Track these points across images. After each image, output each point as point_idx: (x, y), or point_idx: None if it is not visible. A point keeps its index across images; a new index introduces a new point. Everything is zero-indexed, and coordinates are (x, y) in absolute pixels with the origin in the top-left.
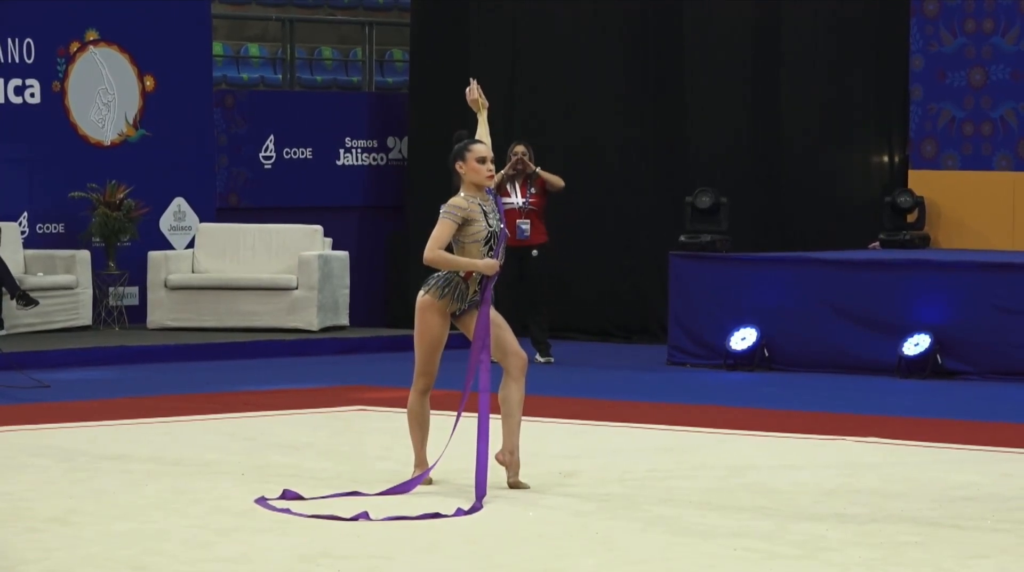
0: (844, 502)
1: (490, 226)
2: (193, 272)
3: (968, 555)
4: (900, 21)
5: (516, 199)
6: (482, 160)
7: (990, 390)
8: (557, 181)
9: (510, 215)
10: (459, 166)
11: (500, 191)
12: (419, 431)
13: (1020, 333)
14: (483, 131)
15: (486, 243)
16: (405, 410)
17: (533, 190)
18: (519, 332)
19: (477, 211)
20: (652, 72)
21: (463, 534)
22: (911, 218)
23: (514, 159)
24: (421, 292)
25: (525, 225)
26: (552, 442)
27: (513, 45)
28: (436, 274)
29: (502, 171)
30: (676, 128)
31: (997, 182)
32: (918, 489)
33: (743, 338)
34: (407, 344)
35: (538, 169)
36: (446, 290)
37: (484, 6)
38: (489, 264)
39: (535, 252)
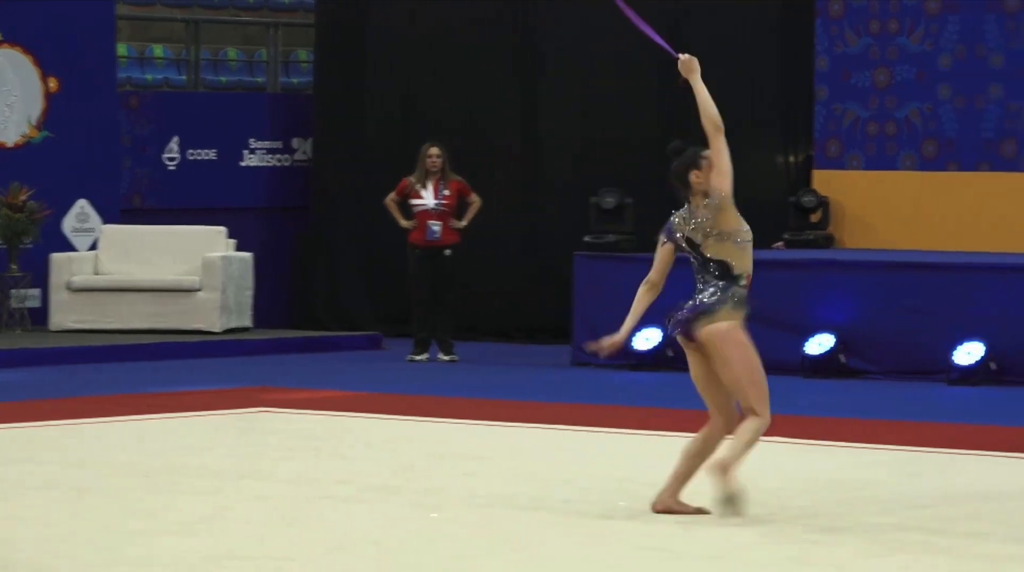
0: (753, 502)
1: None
2: (96, 274)
3: (873, 554)
4: (805, 22)
5: (428, 200)
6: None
7: (893, 389)
8: (476, 208)
9: (422, 216)
10: (695, 176)
11: (411, 193)
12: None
13: (923, 332)
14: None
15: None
16: (310, 411)
17: (446, 191)
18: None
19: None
20: (553, 70)
21: (367, 535)
22: (815, 218)
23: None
24: (719, 317)
25: (436, 226)
26: (456, 442)
27: (412, 46)
28: (723, 290)
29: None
30: (580, 128)
31: (901, 182)
32: (822, 488)
33: (647, 338)
34: (311, 345)
35: (473, 203)
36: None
37: (384, 7)
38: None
39: (448, 252)
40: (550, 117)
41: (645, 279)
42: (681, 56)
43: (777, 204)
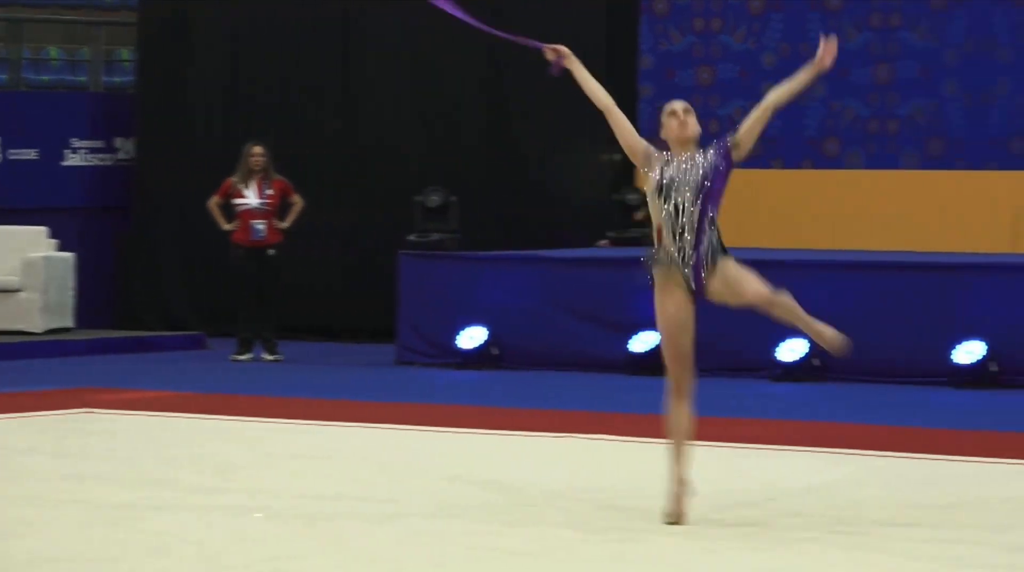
0: (573, 501)
1: (664, 176)
2: None
3: (698, 550)
4: (630, 20)
5: (252, 199)
6: (671, 114)
7: (719, 386)
8: (298, 210)
9: (245, 216)
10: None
11: (234, 193)
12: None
13: (745, 329)
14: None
15: (660, 194)
16: (134, 412)
17: (270, 191)
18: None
19: (657, 161)
20: (377, 69)
21: (190, 535)
22: (639, 216)
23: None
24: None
25: (261, 225)
26: (281, 442)
27: (235, 45)
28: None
29: None
30: (404, 127)
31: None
32: (649, 485)
33: (471, 337)
34: (134, 346)
35: (295, 204)
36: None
37: (207, 7)
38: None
39: (272, 251)
40: (373, 116)
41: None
42: (549, 47)
43: (601, 202)
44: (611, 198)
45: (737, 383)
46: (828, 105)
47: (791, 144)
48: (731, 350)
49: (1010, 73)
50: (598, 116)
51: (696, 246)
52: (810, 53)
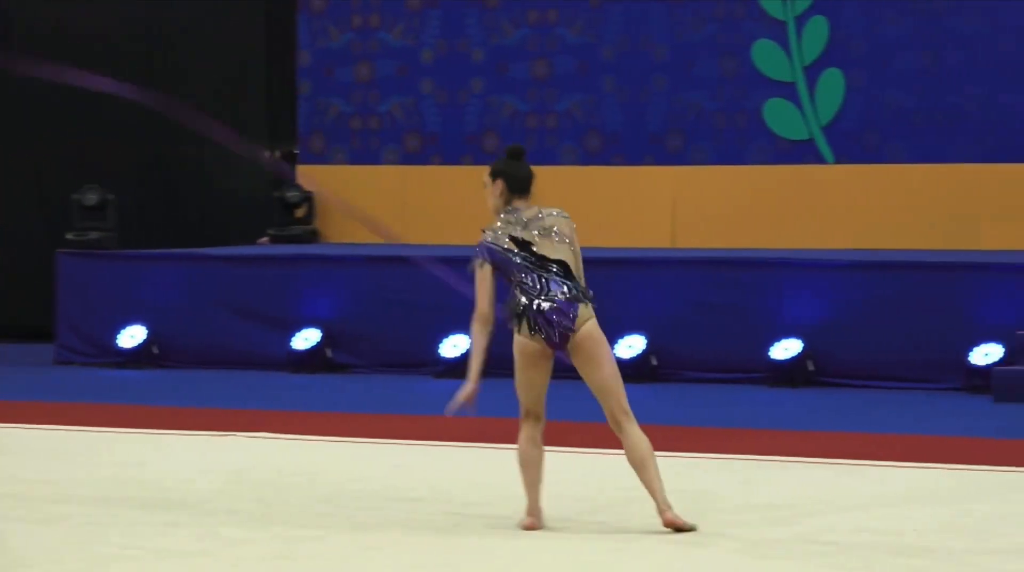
0: (237, 498)
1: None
2: None
3: (365, 547)
4: (287, 16)
5: None
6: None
7: (381, 383)
8: None
9: None
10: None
11: None
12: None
13: (407, 326)
14: None
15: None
16: None
17: None
18: None
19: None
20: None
21: None
22: (300, 213)
23: None
24: (587, 315)
25: None
26: None
27: None
28: (575, 288)
29: None
30: (52, 123)
31: (386, 175)
32: (312, 483)
33: (132, 336)
34: None
35: None
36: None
37: None
38: None
39: None
40: (30, 112)
41: (475, 316)
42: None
43: (262, 199)
44: (271, 195)
45: (399, 379)
46: (486, 100)
47: (451, 142)
48: (393, 346)
49: (666, 70)
50: (258, 113)
51: None
52: (468, 50)
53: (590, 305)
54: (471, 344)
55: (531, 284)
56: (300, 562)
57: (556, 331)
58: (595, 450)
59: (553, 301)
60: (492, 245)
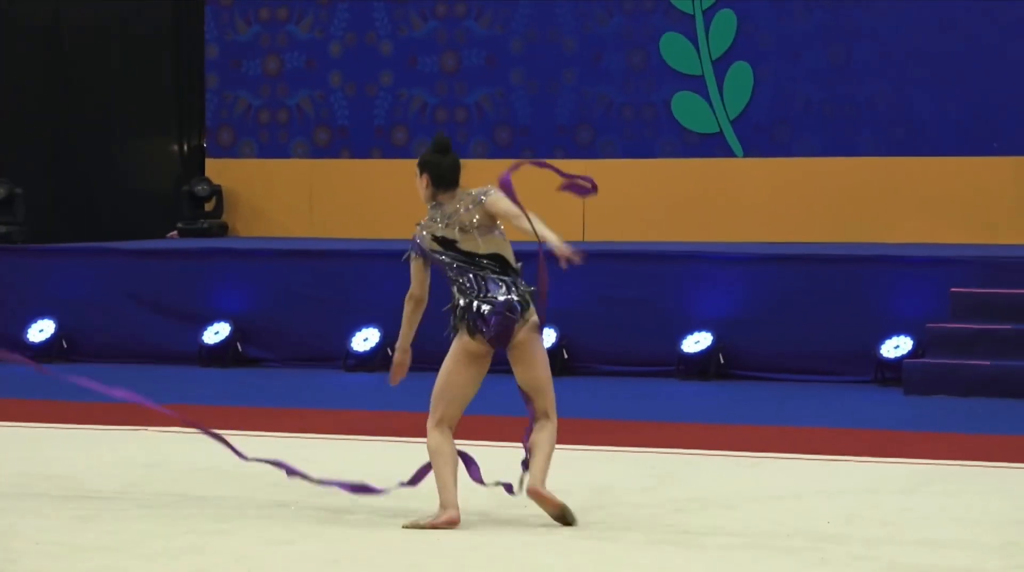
0: (148, 493)
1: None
2: None
3: (277, 541)
4: (196, 9)
5: None
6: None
7: (291, 377)
8: None
9: None
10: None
11: None
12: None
13: (320, 320)
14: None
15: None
16: None
17: None
18: None
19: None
20: None
21: None
22: (209, 207)
23: None
24: (529, 315)
25: None
26: None
27: None
28: (513, 285)
29: None
30: None
31: (294, 169)
32: (221, 477)
33: (40, 330)
34: None
35: None
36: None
37: None
38: None
39: None
40: None
41: (408, 295)
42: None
43: (170, 193)
44: (180, 189)
45: (310, 373)
46: (396, 94)
47: (360, 135)
48: (304, 340)
49: (575, 63)
50: (166, 105)
51: None
52: (376, 42)
53: (531, 305)
54: (403, 320)
55: (468, 285)
56: (211, 556)
57: (496, 333)
58: (508, 444)
59: (492, 303)
60: (421, 245)
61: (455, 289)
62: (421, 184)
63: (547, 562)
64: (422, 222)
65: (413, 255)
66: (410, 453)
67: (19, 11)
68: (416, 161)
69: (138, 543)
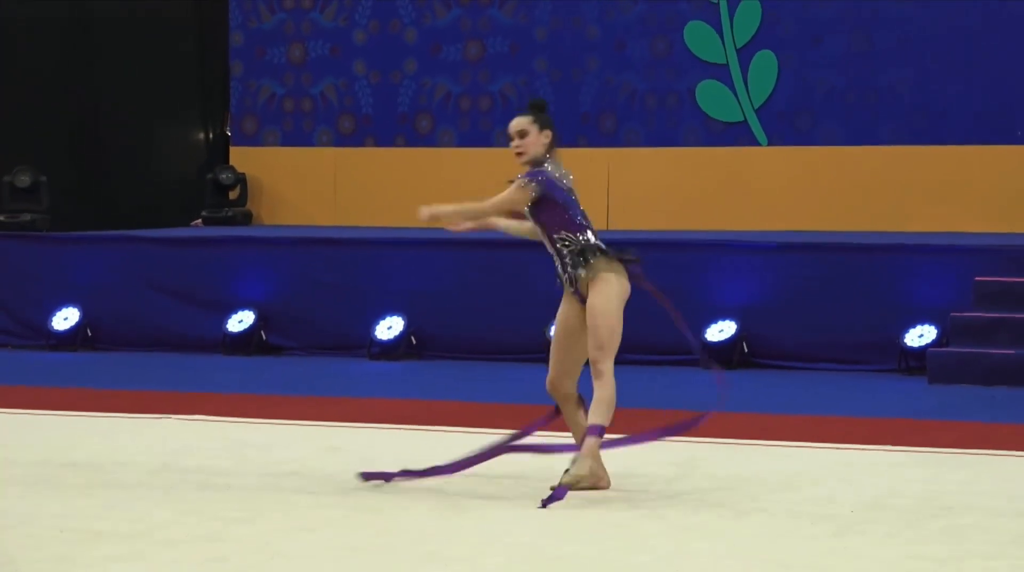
0: (170, 481)
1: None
2: None
3: (298, 528)
4: None
5: None
6: (509, 138)
7: (315, 365)
8: None
9: None
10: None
11: None
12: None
13: (342, 308)
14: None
15: None
16: None
17: None
18: None
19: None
20: None
21: None
22: (233, 195)
23: None
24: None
25: None
26: None
27: None
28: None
29: None
30: None
31: (318, 157)
32: (244, 465)
33: (65, 318)
34: None
35: None
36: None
37: None
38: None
39: None
40: None
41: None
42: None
43: (195, 181)
44: (204, 177)
45: (334, 361)
46: (420, 82)
47: (384, 123)
48: (326, 328)
49: (598, 51)
50: (190, 93)
51: (564, 266)
52: (399, 30)
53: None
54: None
55: (588, 222)
56: (232, 543)
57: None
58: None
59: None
60: (555, 180)
61: (576, 233)
62: (539, 140)
63: (569, 551)
64: (543, 168)
65: (532, 186)
66: (432, 440)
67: (47, 3)
68: (523, 119)
69: (159, 530)
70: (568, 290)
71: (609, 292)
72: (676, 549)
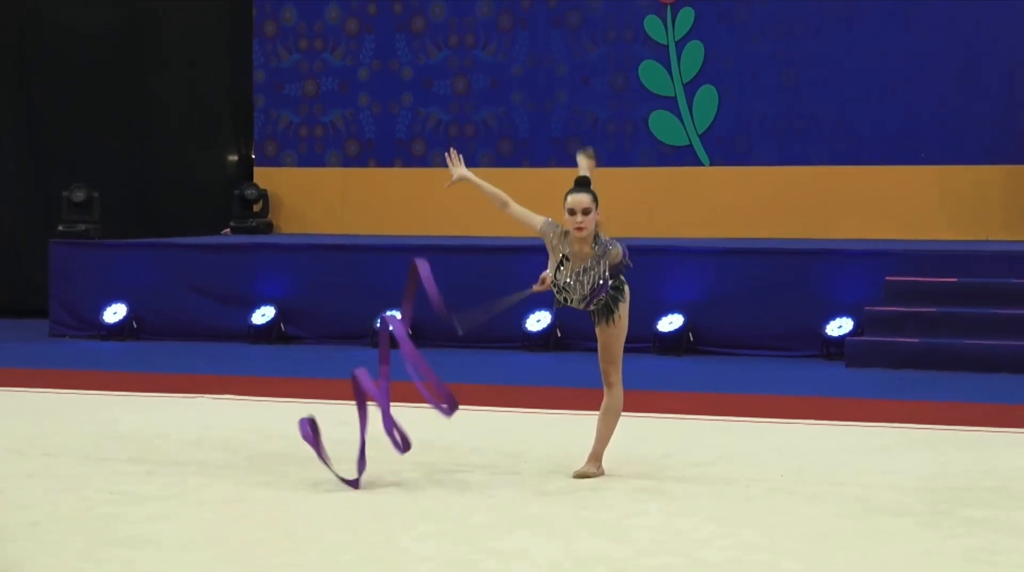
0: (203, 451)
1: (558, 279)
2: None
3: (309, 490)
4: (245, 40)
5: None
6: (571, 212)
7: (325, 352)
8: None
9: None
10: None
11: None
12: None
13: (348, 303)
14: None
15: (555, 284)
16: None
17: None
18: None
19: (557, 242)
20: (15, 76)
21: None
22: (257, 208)
23: None
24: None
25: None
26: None
27: None
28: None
29: None
30: (49, 129)
31: (329, 176)
32: (268, 438)
33: (114, 312)
34: None
35: None
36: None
37: None
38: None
39: None
40: (13, 119)
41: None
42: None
43: (224, 196)
44: (233, 193)
45: (339, 349)
46: (415, 112)
47: (384, 147)
48: (333, 321)
49: (566, 85)
50: (221, 122)
51: (591, 296)
52: (397, 68)
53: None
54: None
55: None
56: (254, 504)
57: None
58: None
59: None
60: (553, 238)
61: (609, 284)
62: (597, 217)
63: (545, 509)
64: (561, 234)
65: (544, 226)
66: (435, 419)
67: (104, 43)
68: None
69: (193, 492)
70: (578, 308)
71: (625, 323)
72: (630, 509)
